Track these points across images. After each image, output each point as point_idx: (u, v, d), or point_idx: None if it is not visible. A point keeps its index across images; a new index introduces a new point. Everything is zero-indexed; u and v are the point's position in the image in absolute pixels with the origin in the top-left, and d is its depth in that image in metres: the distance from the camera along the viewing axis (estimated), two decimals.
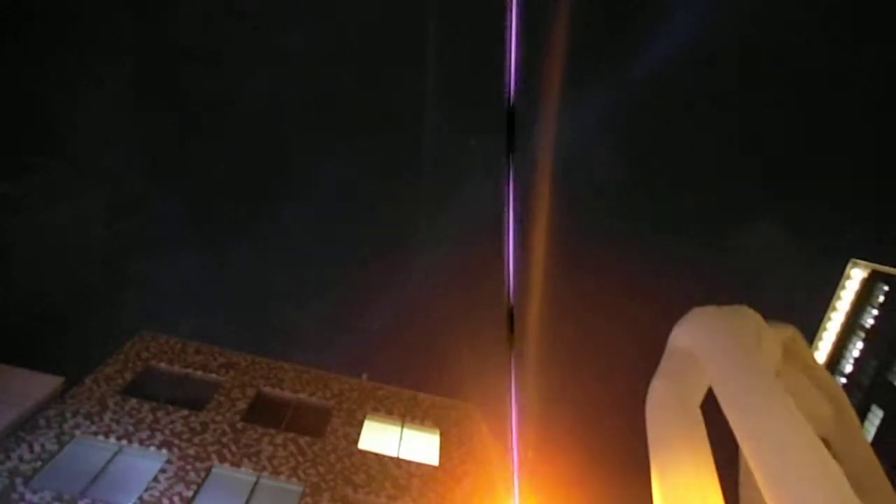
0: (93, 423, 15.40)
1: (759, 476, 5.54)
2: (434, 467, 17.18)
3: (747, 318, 6.68)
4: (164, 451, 15.18)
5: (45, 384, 15.77)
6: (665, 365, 6.85)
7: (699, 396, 6.24)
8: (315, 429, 17.58)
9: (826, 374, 8.28)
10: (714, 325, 6.49)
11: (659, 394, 6.69)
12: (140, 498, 13.75)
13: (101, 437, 15.11)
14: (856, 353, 32.96)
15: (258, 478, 15.36)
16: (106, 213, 38.35)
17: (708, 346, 6.36)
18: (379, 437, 18.02)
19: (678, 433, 6.08)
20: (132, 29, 43.06)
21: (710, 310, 6.67)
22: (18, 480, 13.22)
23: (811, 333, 35.63)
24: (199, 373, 18.60)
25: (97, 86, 39.61)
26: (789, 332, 6.98)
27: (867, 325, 32.85)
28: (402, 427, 18.68)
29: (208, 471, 15.05)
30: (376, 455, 17.08)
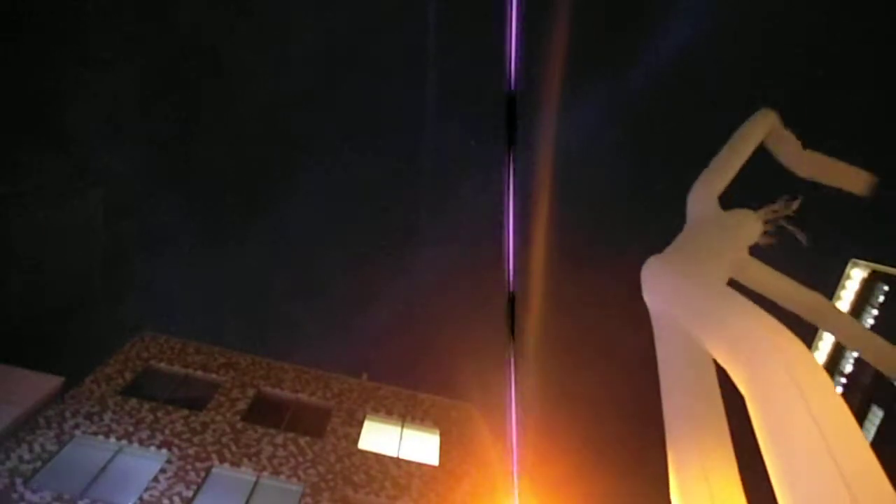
0: (93, 423, 15.40)
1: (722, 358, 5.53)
2: (434, 467, 17.17)
3: (681, 256, 6.96)
4: (164, 451, 15.18)
5: (45, 384, 15.76)
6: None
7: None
8: (315, 429, 17.58)
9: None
10: (658, 277, 6.72)
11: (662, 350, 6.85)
12: (140, 498, 13.74)
13: (101, 437, 15.11)
14: (856, 353, 32.95)
15: (258, 478, 15.36)
16: (107, 212, 38.33)
17: (673, 302, 6.54)
18: (379, 437, 18.02)
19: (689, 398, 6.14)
20: (136, 26, 43.00)
21: (657, 265, 6.92)
22: (18, 480, 13.22)
23: (811, 333, 35.61)
24: (199, 373, 18.60)
25: (99, 83, 39.57)
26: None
27: (867, 326, 32.86)
28: (402, 427, 18.67)
29: (208, 471, 15.05)
30: (376, 455, 17.07)
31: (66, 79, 37.62)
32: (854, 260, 34.50)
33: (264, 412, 17.78)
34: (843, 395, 32.76)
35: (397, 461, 17.03)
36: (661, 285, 6.63)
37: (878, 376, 30.42)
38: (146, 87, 43.80)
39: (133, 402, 16.46)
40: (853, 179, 10.35)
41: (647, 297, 6.94)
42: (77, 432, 15.01)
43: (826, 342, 34.70)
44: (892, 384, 29.24)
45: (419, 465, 17.10)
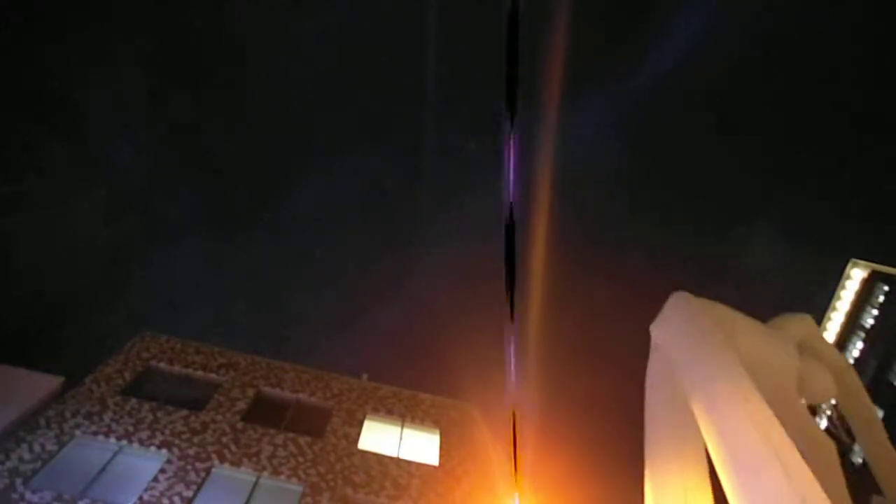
0: (93, 423, 15.40)
1: (716, 461, 5.75)
2: (434, 467, 17.17)
3: (713, 312, 6.96)
4: (164, 451, 15.17)
5: (45, 384, 15.76)
6: (651, 362, 7.12)
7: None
8: (315, 429, 17.57)
9: (832, 350, 9.50)
10: (680, 322, 6.73)
11: (651, 391, 6.92)
12: (140, 498, 13.74)
13: (101, 437, 15.10)
14: (856, 353, 32.97)
15: (258, 478, 15.35)
16: (115, 206, 38.24)
17: (675, 343, 6.56)
18: (379, 437, 18.01)
19: (670, 431, 6.25)
20: (145, 19, 42.93)
21: (680, 305, 6.88)
22: (18, 480, 13.21)
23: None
24: (199, 373, 18.59)
25: (110, 72, 39.51)
26: (805, 322, 7.85)
27: (867, 325, 32.85)
28: (402, 427, 18.67)
29: (208, 471, 15.04)
30: (376, 455, 17.07)
31: (75, 73, 37.60)
32: (854, 260, 34.51)
33: (264, 412, 17.77)
34: None
35: (397, 461, 17.02)
36: (675, 324, 6.68)
37: (878, 376, 30.40)
38: (155, 81, 43.77)
39: (133, 402, 16.45)
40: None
41: (658, 329, 6.94)
42: (77, 432, 15.00)
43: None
44: (892, 384, 29.21)
45: (419, 465, 17.09)
